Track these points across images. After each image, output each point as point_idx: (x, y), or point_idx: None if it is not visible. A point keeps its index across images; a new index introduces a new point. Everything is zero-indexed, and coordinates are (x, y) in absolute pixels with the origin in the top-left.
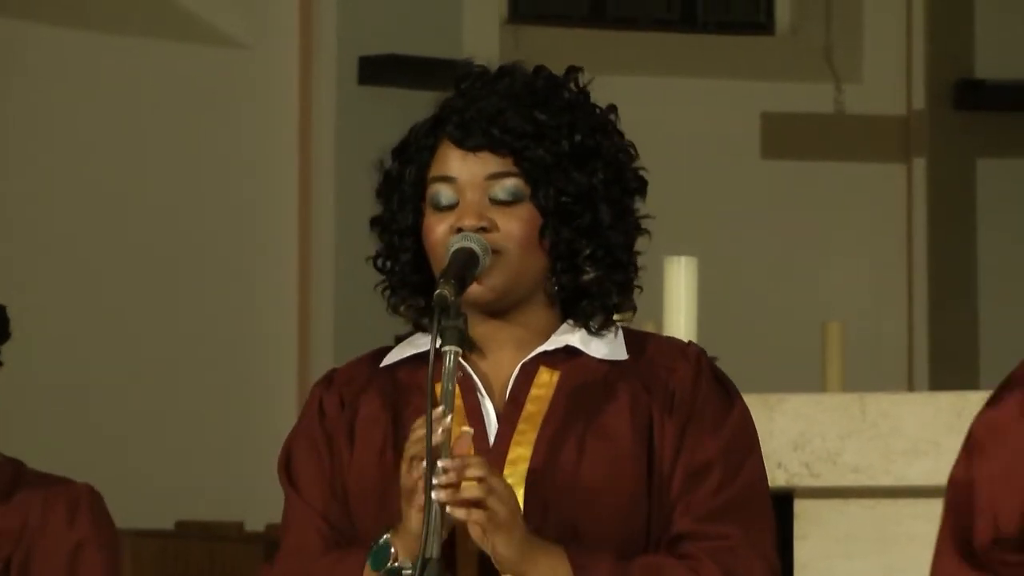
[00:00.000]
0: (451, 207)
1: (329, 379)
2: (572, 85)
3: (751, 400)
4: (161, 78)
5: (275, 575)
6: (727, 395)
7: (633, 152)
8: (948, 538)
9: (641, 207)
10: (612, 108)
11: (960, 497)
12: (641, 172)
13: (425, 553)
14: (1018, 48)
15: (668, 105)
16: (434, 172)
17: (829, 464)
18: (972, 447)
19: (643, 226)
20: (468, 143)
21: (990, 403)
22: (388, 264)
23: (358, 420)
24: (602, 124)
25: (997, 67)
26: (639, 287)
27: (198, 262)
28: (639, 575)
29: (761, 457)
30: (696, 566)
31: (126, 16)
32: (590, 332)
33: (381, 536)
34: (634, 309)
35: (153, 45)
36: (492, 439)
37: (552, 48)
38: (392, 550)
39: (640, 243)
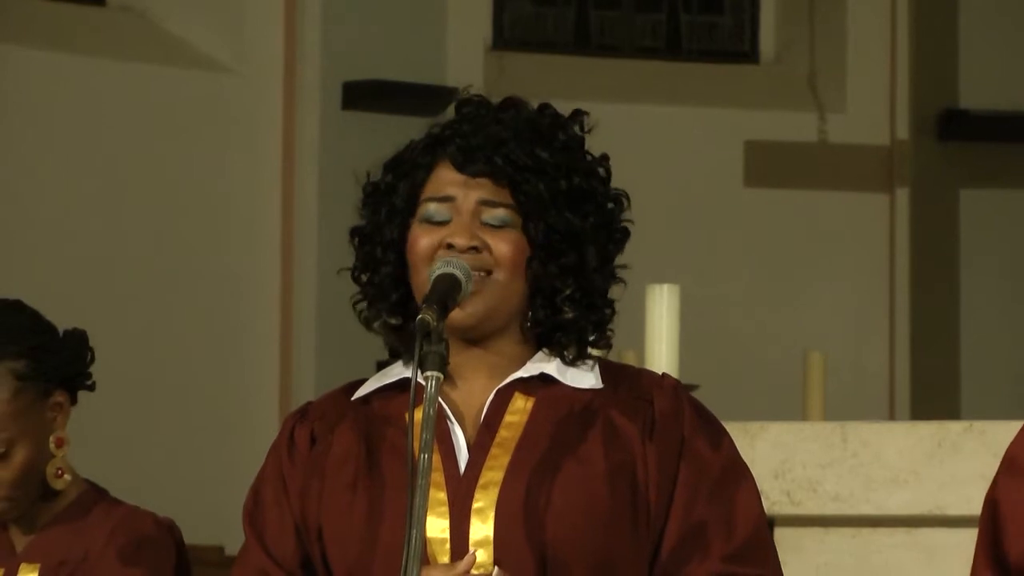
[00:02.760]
0: (442, 224)
1: (303, 412)
2: (576, 128)
3: (732, 428)
4: (145, 102)
5: None
6: (713, 427)
7: (625, 202)
8: (983, 558)
9: (619, 257)
10: (605, 157)
11: (994, 515)
12: (626, 223)
13: None
14: (1002, 78)
15: (652, 132)
16: (430, 192)
17: (810, 492)
18: (1008, 467)
19: (620, 276)
20: (469, 168)
21: None
22: (367, 276)
23: (329, 458)
24: (596, 170)
25: (981, 97)
26: (612, 330)
27: (180, 286)
28: None
29: (755, 484)
30: None
31: (110, 40)
32: (565, 362)
33: None
34: (609, 347)
35: (137, 69)
36: (463, 465)
37: (536, 75)
38: None
39: (615, 291)
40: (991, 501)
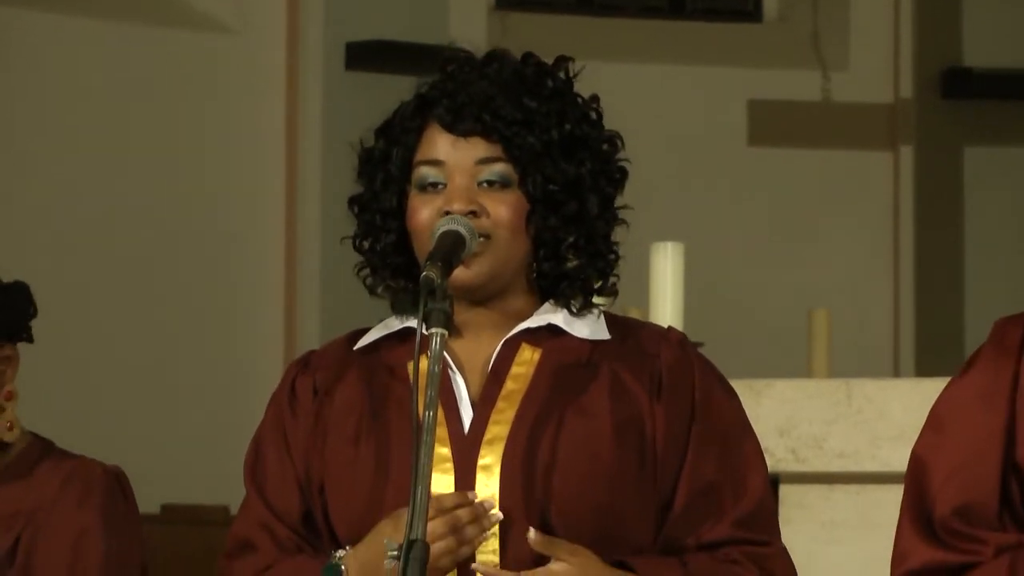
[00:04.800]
0: (437, 186)
1: (305, 361)
2: (561, 74)
3: (737, 385)
4: (147, 63)
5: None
6: (721, 384)
7: (619, 143)
8: (907, 514)
9: (620, 198)
10: (595, 98)
11: (920, 473)
12: (623, 163)
13: (411, 535)
14: (1006, 36)
15: (655, 92)
16: (422, 156)
17: (815, 449)
18: (933, 423)
19: (622, 217)
20: (459, 128)
21: (953, 381)
22: (368, 244)
23: (332, 410)
24: (587, 114)
25: (985, 55)
26: (617, 276)
27: (183, 247)
28: None
29: (759, 443)
30: (740, 572)
31: (111, 1)
32: (572, 313)
33: (336, 555)
34: (615, 295)
35: (139, 30)
36: (466, 420)
37: (539, 35)
38: (343, 572)
39: (619, 233)
40: (916, 458)
